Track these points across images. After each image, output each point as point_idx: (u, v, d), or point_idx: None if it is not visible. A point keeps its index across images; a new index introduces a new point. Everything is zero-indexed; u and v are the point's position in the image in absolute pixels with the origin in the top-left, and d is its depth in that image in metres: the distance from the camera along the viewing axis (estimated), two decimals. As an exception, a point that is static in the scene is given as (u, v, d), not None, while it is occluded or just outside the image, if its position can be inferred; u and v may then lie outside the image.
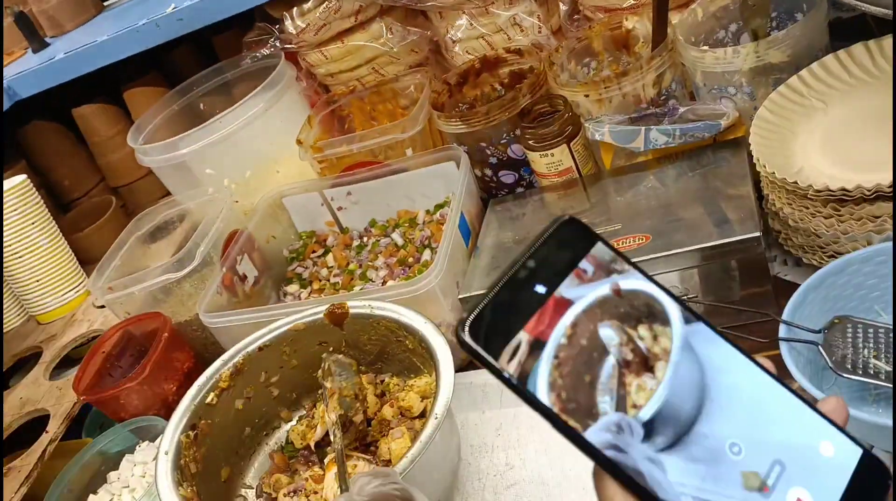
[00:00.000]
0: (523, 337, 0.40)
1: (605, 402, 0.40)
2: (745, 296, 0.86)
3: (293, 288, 1.21)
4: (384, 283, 1.13)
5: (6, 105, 1.35)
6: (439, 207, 1.19)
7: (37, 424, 1.09)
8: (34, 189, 1.27)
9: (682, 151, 1.01)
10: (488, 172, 1.17)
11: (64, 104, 1.48)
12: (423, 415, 0.89)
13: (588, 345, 0.40)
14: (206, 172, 1.21)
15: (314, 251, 1.25)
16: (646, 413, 0.40)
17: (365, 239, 1.23)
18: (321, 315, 0.94)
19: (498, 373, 0.39)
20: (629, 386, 0.40)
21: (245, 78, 1.33)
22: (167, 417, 0.90)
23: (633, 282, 0.42)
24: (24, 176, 1.27)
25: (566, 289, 0.41)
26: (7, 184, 1.25)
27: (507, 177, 1.16)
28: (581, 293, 0.41)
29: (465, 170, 1.10)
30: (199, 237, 1.11)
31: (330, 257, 1.22)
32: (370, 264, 1.17)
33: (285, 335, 0.95)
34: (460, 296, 0.96)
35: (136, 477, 1.00)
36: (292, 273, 1.24)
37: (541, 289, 0.40)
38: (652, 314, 0.42)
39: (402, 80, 1.28)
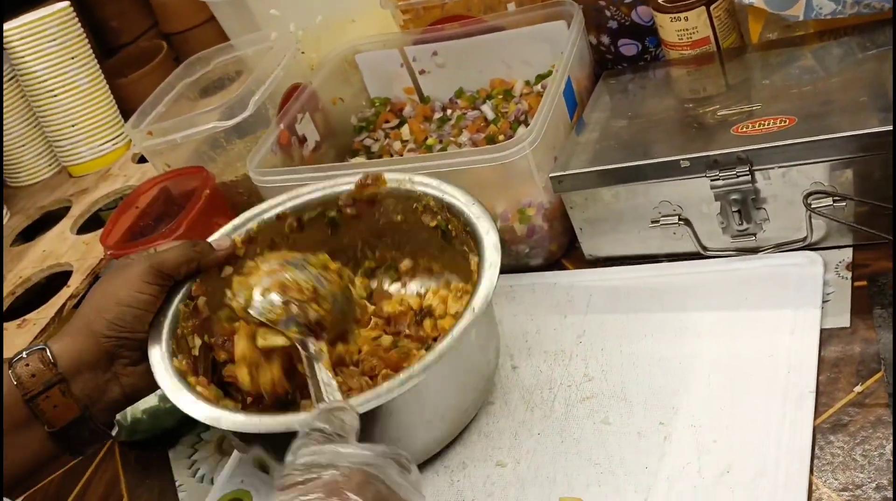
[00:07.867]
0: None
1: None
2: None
3: (359, 162, 1.19)
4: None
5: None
6: (541, 77, 1.14)
7: (59, 280, 1.13)
8: (77, 19, 1.29)
9: (852, 25, 0.94)
10: (605, 39, 1.12)
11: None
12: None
13: None
14: (270, 13, 1.20)
15: (387, 121, 1.23)
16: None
17: (449, 112, 1.20)
18: (352, 186, 0.90)
19: None
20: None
21: None
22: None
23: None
24: (67, 2, 1.28)
25: None
26: (47, 10, 1.27)
27: (629, 48, 1.11)
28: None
29: (578, 29, 1.05)
30: (254, 84, 1.10)
31: (405, 130, 1.20)
32: (452, 139, 1.15)
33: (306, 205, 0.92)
34: (552, 174, 0.93)
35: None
36: (360, 144, 1.22)
37: None
38: None
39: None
